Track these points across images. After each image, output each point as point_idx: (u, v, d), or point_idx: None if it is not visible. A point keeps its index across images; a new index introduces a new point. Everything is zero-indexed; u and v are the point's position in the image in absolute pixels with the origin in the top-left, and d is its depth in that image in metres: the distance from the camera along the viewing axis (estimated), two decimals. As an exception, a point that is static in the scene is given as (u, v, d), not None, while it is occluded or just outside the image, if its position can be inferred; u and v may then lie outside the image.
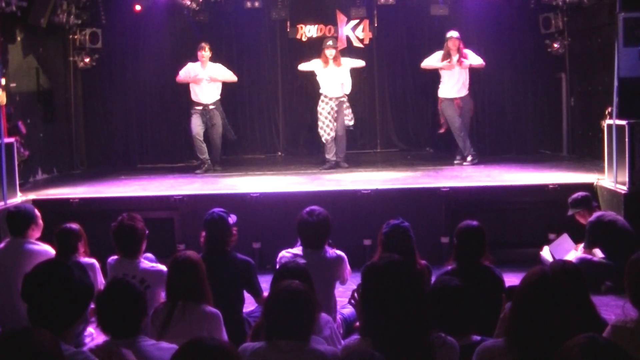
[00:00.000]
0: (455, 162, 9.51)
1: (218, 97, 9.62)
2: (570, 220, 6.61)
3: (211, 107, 9.52)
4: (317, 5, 11.58)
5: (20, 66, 8.96)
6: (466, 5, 10.77)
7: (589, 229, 6.28)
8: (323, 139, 9.55)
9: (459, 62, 9.28)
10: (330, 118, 9.44)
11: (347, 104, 9.56)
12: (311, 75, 9.78)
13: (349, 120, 9.56)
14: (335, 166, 9.48)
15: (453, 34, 9.31)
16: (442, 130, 9.70)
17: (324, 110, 9.47)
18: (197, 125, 9.51)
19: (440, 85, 9.52)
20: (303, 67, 9.75)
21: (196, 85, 9.50)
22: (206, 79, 9.43)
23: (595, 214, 6.36)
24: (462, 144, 9.46)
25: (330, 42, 9.49)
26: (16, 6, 7.88)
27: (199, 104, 9.50)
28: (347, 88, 9.54)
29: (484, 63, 9.43)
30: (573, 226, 6.65)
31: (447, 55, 9.32)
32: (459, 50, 9.29)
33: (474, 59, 9.36)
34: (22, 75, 9.03)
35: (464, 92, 9.40)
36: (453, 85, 9.38)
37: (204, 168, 9.56)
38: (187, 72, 9.53)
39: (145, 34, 11.09)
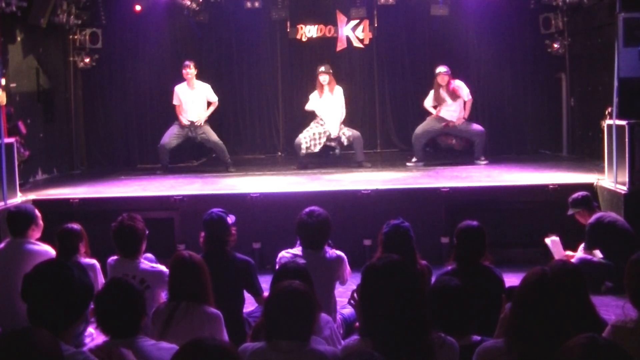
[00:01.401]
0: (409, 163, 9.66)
1: (206, 114, 9.64)
2: (570, 221, 6.61)
3: (196, 123, 9.51)
4: (317, 5, 11.59)
5: (20, 66, 8.96)
6: (466, 5, 10.77)
7: (588, 230, 6.26)
8: (300, 145, 9.49)
9: (453, 97, 9.40)
10: (317, 137, 9.50)
11: (342, 128, 9.61)
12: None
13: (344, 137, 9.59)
14: (305, 167, 9.54)
15: (441, 69, 9.43)
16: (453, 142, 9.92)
17: (316, 129, 9.55)
18: (170, 137, 9.53)
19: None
20: (308, 107, 9.78)
21: (184, 108, 9.51)
22: (198, 123, 9.50)
23: (595, 216, 6.34)
24: (415, 145, 9.73)
25: (322, 68, 9.52)
26: (16, 6, 7.88)
27: (184, 121, 9.51)
28: (342, 114, 9.61)
29: (471, 99, 9.58)
30: (573, 226, 6.65)
31: (437, 93, 9.47)
32: (448, 85, 9.40)
33: (464, 93, 9.47)
34: (22, 75, 9.03)
35: (458, 118, 9.49)
36: (449, 111, 9.51)
37: (163, 170, 9.61)
38: (177, 96, 9.53)
39: (145, 34, 11.09)
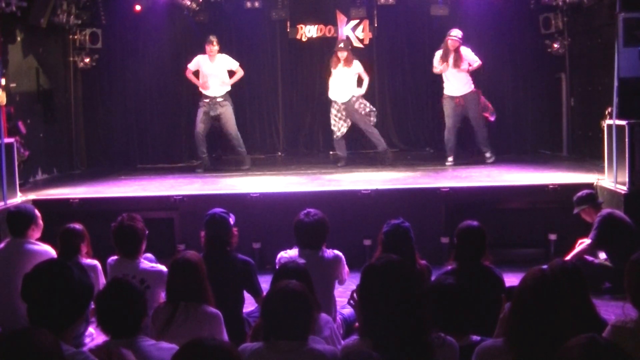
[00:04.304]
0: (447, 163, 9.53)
1: (227, 88, 9.60)
2: (572, 220, 6.59)
3: (219, 99, 9.50)
4: (317, 5, 11.58)
5: (20, 66, 8.96)
6: (466, 5, 10.78)
7: (600, 222, 6.08)
8: (334, 136, 9.69)
9: (456, 65, 9.27)
10: (340, 116, 9.53)
11: (361, 102, 9.56)
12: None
13: (371, 117, 9.62)
14: (350, 163, 9.61)
15: (456, 33, 9.27)
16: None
17: (333, 109, 9.61)
18: (200, 121, 9.54)
19: (443, 84, 9.52)
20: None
21: (204, 80, 9.47)
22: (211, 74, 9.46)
23: (606, 210, 6.27)
24: (447, 144, 9.57)
25: (341, 45, 9.60)
26: (16, 6, 7.87)
27: (206, 97, 9.50)
28: (354, 91, 9.54)
29: (480, 63, 9.37)
30: (576, 226, 6.64)
31: (445, 54, 9.31)
32: (456, 51, 9.27)
33: (472, 59, 9.33)
34: (22, 75, 9.02)
35: (466, 89, 9.38)
36: (455, 83, 9.37)
37: (203, 167, 9.64)
38: (197, 63, 9.49)
39: (145, 34, 11.09)
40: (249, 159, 9.88)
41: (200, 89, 9.53)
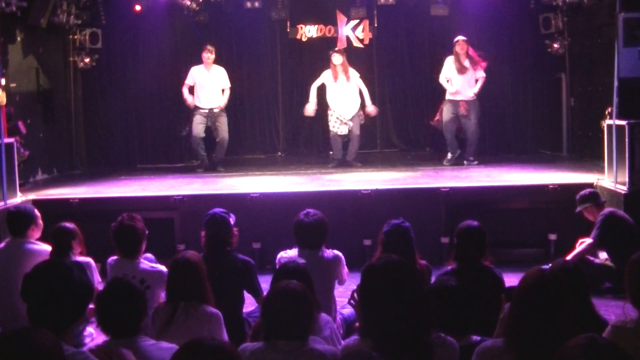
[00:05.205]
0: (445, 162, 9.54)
1: (223, 100, 9.61)
2: (573, 220, 6.59)
3: (215, 110, 9.53)
4: (317, 5, 11.58)
5: (20, 66, 8.96)
6: (466, 5, 10.78)
7: (602, 221, 6.05)
8: (336, 134, 9.68)
9: (474, 66, 9.26)
10: (341, 120, 9.55)
11: (360, 114, 9.68)
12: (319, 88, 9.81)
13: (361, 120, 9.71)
14: (343, 164, 9.61)
15: (461, 37, 9.28)
16: (432, 122, 9.75)
17: (333, 115, 9.61)
18: (198, 126, 9.54)
19: (446, 89, 9.46)
20: (314, 85, 9.79)
21: (200, 91, 9.50)
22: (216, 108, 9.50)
23: (608, 209, 6.25)
24: (451, 144, 9.56)
25: (336, 49, 9.69)
26: (16, 6, 7.87)
27: (202, 108, 9.52)
28: (357, 106, 9.61)
29: (484, 76, 9.41)
30: (575, 226, 6.64)
31: (458, 61, 9.27)
32: (468, 54, 9.26)
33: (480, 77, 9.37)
34: (22, 75, 9.02)
35: (470, 93, 9.34)
36: (460, 88, 9.32)
37: (203, 167, 9.68)
38: (192, 76, 9.52)
39: (145, 34, 11.09)
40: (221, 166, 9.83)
41: (195, 103, 9.51)
